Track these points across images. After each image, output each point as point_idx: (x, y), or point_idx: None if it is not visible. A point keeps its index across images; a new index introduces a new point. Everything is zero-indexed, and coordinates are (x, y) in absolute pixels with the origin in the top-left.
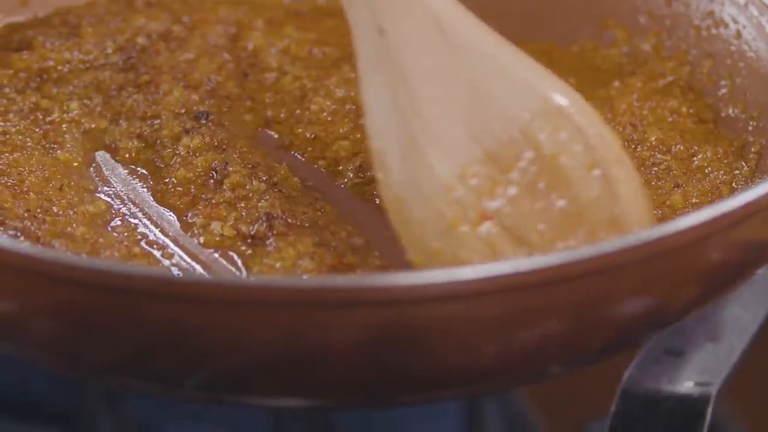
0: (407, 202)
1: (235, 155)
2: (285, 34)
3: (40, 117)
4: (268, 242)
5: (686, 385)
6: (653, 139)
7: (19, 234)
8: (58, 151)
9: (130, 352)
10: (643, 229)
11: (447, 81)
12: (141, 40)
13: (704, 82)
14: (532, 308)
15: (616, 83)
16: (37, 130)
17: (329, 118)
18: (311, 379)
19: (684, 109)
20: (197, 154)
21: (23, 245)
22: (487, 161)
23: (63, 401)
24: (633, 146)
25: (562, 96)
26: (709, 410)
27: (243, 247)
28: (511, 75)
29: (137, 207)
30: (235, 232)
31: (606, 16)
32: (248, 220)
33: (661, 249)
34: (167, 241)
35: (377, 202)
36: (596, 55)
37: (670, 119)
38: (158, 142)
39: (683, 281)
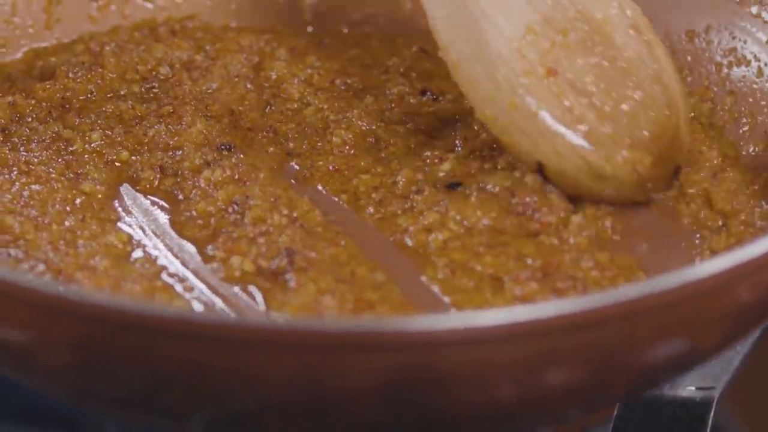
0: (480, 71)
1: (256, 188)
2: (308, 63)
3: (63, 147)
4: (288, 277)
5: (688, 390)
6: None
7: (41, 266)
8: (82, 183)
9: (145, 388)
10: (678, 86)
11: None
12: (164, 70)
13: (726, 119)
14: (553, 353)
15: None
16: (59, 160)
17: (351, 152)
18: (328, 420)
19: (704, 147)
20: (218, 188)
21: (42, 281)
22: (544, 23)
23: (69, 405)
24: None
25: None
26: (711, 415)
27: (263, 282)
28: None
29: (159, 238)
30: (256, 267)
31: None
32: (269, 255)
33: (682, 296)
34: (188, 274)
35: (398, 237)
36: None
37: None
38: (179, 173)
39: (706, 326)
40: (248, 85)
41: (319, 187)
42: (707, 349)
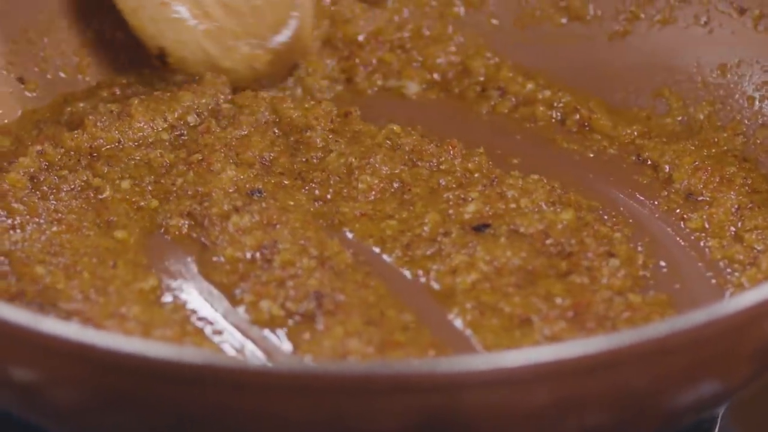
0: None
1: (285, 232)
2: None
3: (92, 195)
4: (316, 320)
5: None
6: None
7: (69, 317)
8: (113, 230)
9: (160, 429)
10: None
11: None
12: (191, 118)
13: (758, 153)
14: (578, 393)
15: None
16: (89, 209)
17: (378, 197)
18: None
19: (740, 180)
20: (247, 233)
21: (63, 326)
22: None
23: None
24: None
25: None
26: (716, 430)
27: (292, 325)
28: None
29: (188, 283)
30: (284, 311)
31: (661, 85)
32: (297, 299)
33: (709, 332)
34: (218, 317)
35: (426, 279)
36: (651, 123)
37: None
38: (207, 220)
39: (734, 363)
40: (276, 131)
41: (347, 233)
42: (735, 387)
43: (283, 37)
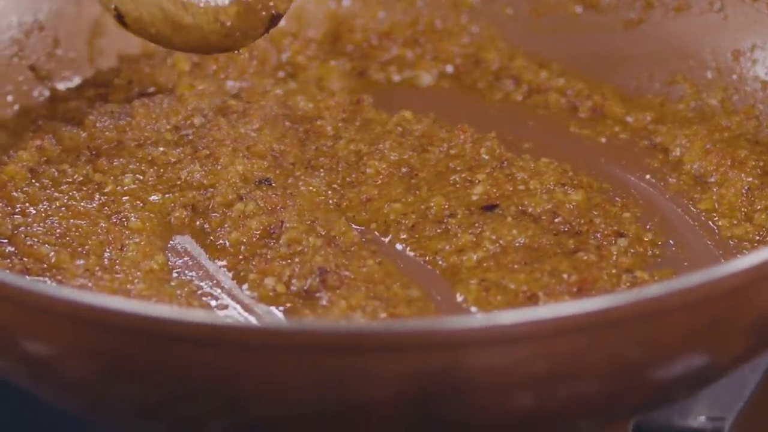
0: None
1: (293, 213)
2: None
3: (95, 188)
4: (320, 296)
5: (699, 420)
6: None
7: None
8: (119, 218)
9: (168, 397)
10: None
11: None
12: (197, 120)
13: None
14: (573, 355)
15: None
16: (93, 203)
17: (385, 181)
18: (352, 427)
19: (752, 162)
20: (250, 218)
21: (66, 290)
22: None
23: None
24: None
25: None
26: None
27: (297, 301)
28: None
29: (192, 261)
30: (288, 287)
31: (675, 72)
32: (301, 275)
33: (705, 294)
34: (222, 294)
35: (432, 258)
36: (664, 109)
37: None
38: (210, 209)
39: (731, 331)
40: (287, 123)
41: (354, 216)
42: (729, 361)
43: None
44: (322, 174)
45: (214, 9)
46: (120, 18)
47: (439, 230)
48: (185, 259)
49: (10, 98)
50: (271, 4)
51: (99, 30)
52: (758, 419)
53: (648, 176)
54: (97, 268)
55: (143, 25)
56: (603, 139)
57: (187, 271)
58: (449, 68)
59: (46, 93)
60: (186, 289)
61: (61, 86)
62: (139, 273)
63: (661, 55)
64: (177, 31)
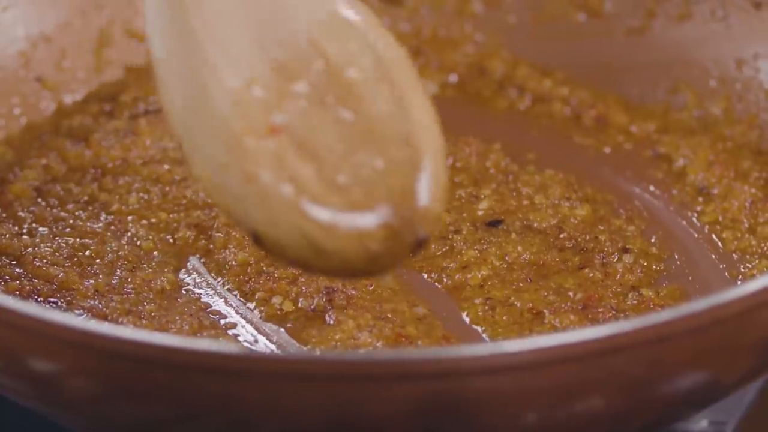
0: (197, 120)
1: None
2: None
3: (100, 208)
4: (327, 315)
5: (701, 425)
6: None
7: (85, 314)
8: (128, 238)
9: (176, 420)
10: (433, 149)
11: None
12: None
13: None
14: (577, 381)
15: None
16: (99, 223)
17: None
18: None
19: (755, 173)
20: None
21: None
22: (277, 72)
23: None
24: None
25: (350, 8)
26: None
27: (304, 321)
28: None
29: (200, 280)
30: (295, 306)
31: (678, 80)
32: (308, 294)
33: (710, 320)
34: (231, 312)
35: (437, 275)
36: (667, 118)
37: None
38: (214, 230)
39: (736, 353)
40: None
41: None
42: (736, 379)
43: (401, 209)
44: None
45: (358, 233)
46: (257, 240)
47: (444, 247)
48: (194, 276)
49: (17, 111)
50: (417, 227)
51: (105, 40)
52: (759, 424)
53: (652, 187)
54: (106, 289)
55: (282, 249)
56: (607, 149)
57: (195, 289)
58: (453, 77)
59: (53, 106)
60: (194, 307)
61: (68, 99)
62: (151, 294)
63: (664, 64)
64: (319, 256)
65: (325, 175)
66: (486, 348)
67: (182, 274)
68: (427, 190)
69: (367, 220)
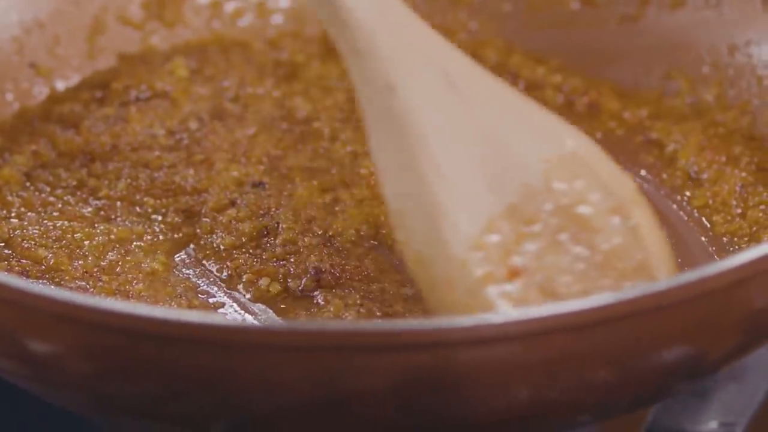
0: (433, 262)
1: (288, 213)
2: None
3: (89, 192)
4: (315, 295)
5: (710, 426)
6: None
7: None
8: (116, 222)
9: (165, 395)
10: (668, 274)
11: (461, 135)
12: (193, 124)
13: (766, 131)
14: (562, 354)
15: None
16: (88, 207)
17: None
18: (342, 424)
19: (746, 158)
20: (241, 222)
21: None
22: (510, 215)
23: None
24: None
25: (576, 141)
26: None
27: (292, 301)
28: (524, 124)
29: (190, 258)
30: (283, 288)
31: (671, 67)
32: (296, 275)
33: (701, 291)
34: (219, 292)
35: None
36: (660, 105)
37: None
38: (202, 214)
39: (725, 327)
40: (284, 126)
41: (347, 219)
42: (723, 354)
43: None
44: (318, 176)
45: None
46: None
47: None
48: (182, 256)
49: (10, 97)
50: None
51: (99, 27)
52: None
53: (643, 172)
54: (96, 270)
55: None
56: (599, 135)
57: (184, 269)
58: None
59: (46, 92)
60: (183, 286)
61: (60, 85)
62: (140, 275)
63: (657, 51)
64: None
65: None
66: (474, 319)
67: (171, 258)
68: None
69: None
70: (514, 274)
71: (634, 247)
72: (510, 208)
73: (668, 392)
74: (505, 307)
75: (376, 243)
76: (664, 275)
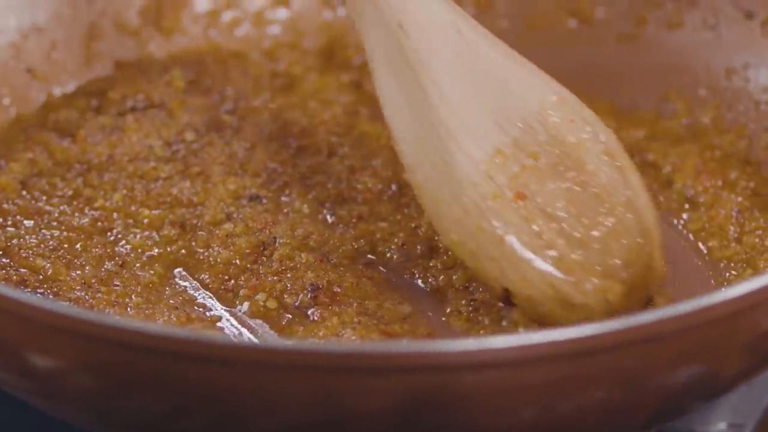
0: (442, 184)
1: (286, 227)
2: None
3: (85, 203)
4: (311, 311)
5: (719, 427)
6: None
7: (72, 305)
8: (113, 234)
9: (165, 411)
10: (652, 217)
11: (467, 72)
12: (189, 135)
13: (762, 156)
14: (565, 379)
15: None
16: (84, 218)
17: (374, 198)
18: None
19: (742, 183)
20: (238, 237)
21: (70, 307)
22: (514, 146)
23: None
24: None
25: (565, 91)
26: None
27: (288, 316)
28: (521, 71)
29: (187, 270)
30: (280, 303)
31: (667, 88)
32: (293, 291)
33: (695, 322)
34: (216, 304)
35: (422, 275)
36: (656, 126)
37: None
38: (198, 228)
39: (724, 354)
40: (281, 139)
41: (342, 235)
42: (729, 378)
43: (634, 267)
44: (315, 191)
45: (603, 288)
46: (507, 296)
47: (428, 248)
48: (179, 269)
49: (6, 101)
50: (649, 284)
51: (96, 33)
52: None
53: None
54: (94, 281)
55: (533, 304)
56: None
57: (181, 282)
58: None
59: (43, 97)
60: (180, 299)
61: (57, 91)
62: (138, 287)
63: (654, 71)
64: (566, 309)
65: (568, 234)
66: (473, 343)
67: (168, 270)
68: (652, 250)
69: (608, 275)
70: (519, 196)
71: (623, 185)
72: (514, 141)
73: (681, 412)
74: (511, 225)
75: (373, 258)
76: (648, 215)
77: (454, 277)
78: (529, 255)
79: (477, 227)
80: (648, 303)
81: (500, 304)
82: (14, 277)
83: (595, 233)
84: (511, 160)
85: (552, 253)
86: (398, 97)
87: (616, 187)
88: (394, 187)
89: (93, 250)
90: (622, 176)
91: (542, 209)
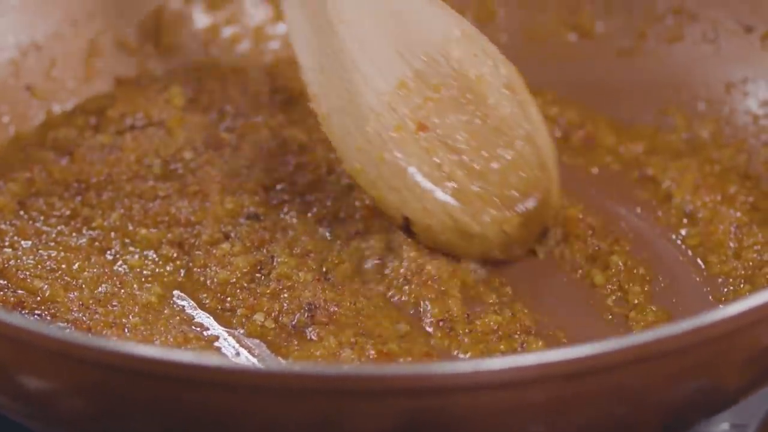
0: (349, 121)
1: (284, 245)
2: None
3: (82, 222)
4: (308, 331)
5: (722, 427)
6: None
7: (70, 327)
8: (111, 253)
9: None
10: (550, 151)
11: (372, 10)
12: (188, 154)
13: (761, 171)
14: (568, 398)
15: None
16: (82, 238)
17: (371, 215)
18: None
19: (741, 197)
20: (236, 256)
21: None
22: (417, 78)
23: None
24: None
25: (468, 26)
26: None
27: (284, 335)
28: (428, 6)
29: (185, 291)
30: (277, 323)
31: (667, 102)
32: (290, 311)
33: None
34: (214, 323)
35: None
36: (655, 140)
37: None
38: (195, 248)
39: (726, 370)
40: (279, 156)
41: (340, 253)
42: (733, 392)
43: (531, 200)
44: (313, 208)
45: (500, 219)
46: (407, 226)
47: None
48: (176, 290)
49: (6, 119)
50: (545, 216)
51: (95, 50)
52: None
53: (638, 209)
54: (91, 302)
55: (432, 234)
56: (595, 170)
57: (179, 301)
58: None
59: (42, 115)
60: (178, 318)
61: (56, 108)
62: (136, 307)
63: (653, 86)
64: (463, 239)
65: (468, 165)
66: (470, 365)
67: (165, 290)
68: (550, 184)
69: (506, 206)
70: (422, 127)
71: (522, 118)
72: (417, 74)
73: (683, 426)
74: (413, 156)
75: (371, 276)
76: (547, 150)
77: (450, 301)
78: (429, 185)
79: (379, 157)
80: (543, 235)
81: (403, 233)
82: (11, 298)
83: (494, 165)
84: (413, 92)
85: (452, 184)
86: (305, 24)
87: (516, 120)
88: None
89: (91, 270)
90: (522, 110)
91: (443, 141)
